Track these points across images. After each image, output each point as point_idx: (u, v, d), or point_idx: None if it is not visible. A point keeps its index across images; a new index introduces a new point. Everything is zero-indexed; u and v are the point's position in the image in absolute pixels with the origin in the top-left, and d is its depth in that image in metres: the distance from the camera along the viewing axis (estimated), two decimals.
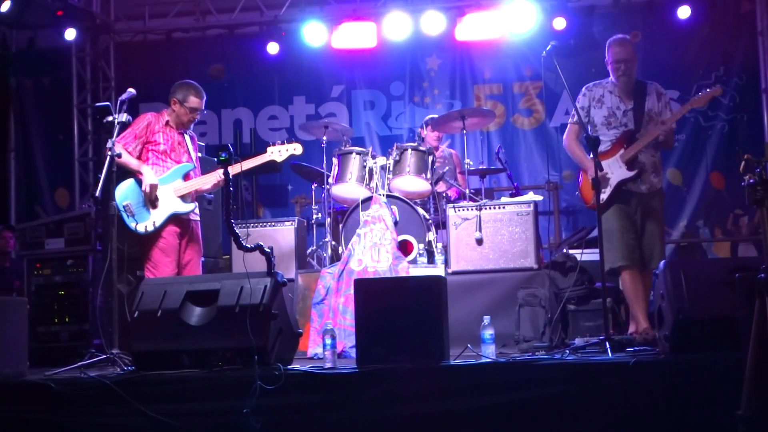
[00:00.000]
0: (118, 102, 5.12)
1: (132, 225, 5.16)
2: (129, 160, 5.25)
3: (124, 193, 5.19)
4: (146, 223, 5.20)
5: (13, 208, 9.27)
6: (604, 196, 5.11)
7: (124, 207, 5.17)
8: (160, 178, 5.28)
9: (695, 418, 3.60)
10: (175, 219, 5.30)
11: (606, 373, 3.79)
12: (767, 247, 3.19)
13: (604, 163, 5.11)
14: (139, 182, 5.23)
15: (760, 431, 3.08)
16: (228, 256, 6.78)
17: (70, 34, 8.70)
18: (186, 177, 5.38)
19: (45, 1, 8.67)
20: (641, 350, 4.22)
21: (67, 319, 5.83)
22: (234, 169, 5.30)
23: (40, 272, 5.96)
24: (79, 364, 4.50)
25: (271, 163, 5.53)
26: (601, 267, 4.61)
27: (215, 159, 5.15)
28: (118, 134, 4.98)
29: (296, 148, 5.54)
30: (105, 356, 4.58)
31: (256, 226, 6.62)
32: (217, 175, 5.36)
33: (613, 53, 5.31)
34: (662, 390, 3.66)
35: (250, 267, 4.26)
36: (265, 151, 5.53)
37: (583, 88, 5.41)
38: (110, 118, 5.04)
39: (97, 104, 9.02)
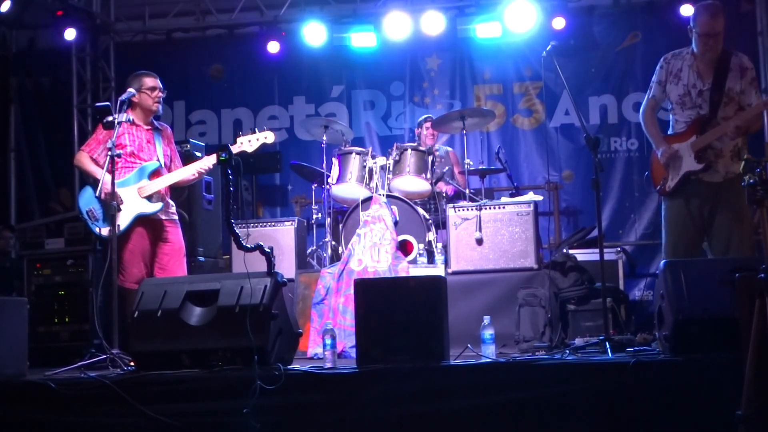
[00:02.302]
0: (118, 102, 5.12)
1: (96, 230, 5.11)
2: (89, 166, 5.23)
3: (86, 199, 5.14)
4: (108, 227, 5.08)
5: (13, 208, 9.27)
6: (671, 183, 4.88)
7: (87, 213, 5.12)
8: (122, 180, 5.14)
9: (695, 418, 3.60)
10: (143, 221, 5.19)
11: (606, 373, 3.78)
12: (767, 247, 3.19)
13: (676, 146, 4.86)
14: (94, 187, 5.08)
15: (760, 431, 3.08)
16: (228, 256, 6.78)
17: (70, 34, 8.69)
18: (152, 176, 5.25)
19: (45, 1, 8.68)
20: (641, 350, 4.21)
21: (67, 319, 5.83)
22: (205, 162, 5.23)
23: (40, 272, 5.95)
24: (79, 364, 4.51)
25: (243, 154, 5.14)
26: (601, 267, 4.60)
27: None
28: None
29: (267, 137, 5.16)
30: (105, 356, 4.59)
31: (256, 226, 6.62)
32: (193, 169, 5.26)
33: (702, 24, 4.76)
34: (662, 390, 3.66)
35: (250, 267, 4.25)
36: (234, 143, 5.13)
37: (662, 59, 4.99)
38: (110, 118, 5.04)
39: (97, 104, 9.04)
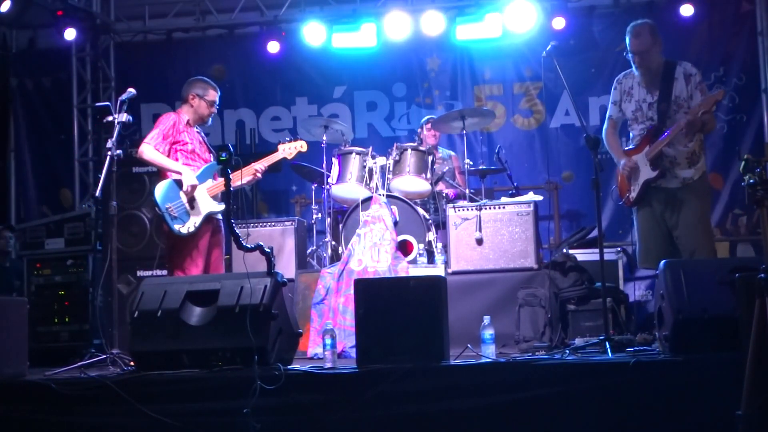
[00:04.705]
0: (118, 102, 5.14)
1: (176, 227, 5.16)
2: (166, 160, 5.28)
3: (164, 194, 5.18)
4: (188, 224, 5.21)
5: (13, 208, 9.27)
6: (633, 194, 5.15)
7: (166, 209, 5.17)
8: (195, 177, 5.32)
9: (695, 418, 3.61)
10: (208, 219, 5.32)
11: (606, 373, 3.79)
12: (767, 246, 3.19)
13: (634, 158, 5.13)
14: (176, 182, 5.22)
15: (760, 431, 3.08)
16: (228, 256, 6.78)
17: (70, 34, 8.69)
18: (215, 176, 5.39)
19: (45, 1, 8.67)
20: (641, 350, 4.22)
21: (67, 319, 5.84)
22: (247, 171, 5.46)
23: (40, 272, 5.96)
24: (79, 364, 4.51)
25: (282, 161, 5.84)
26: (601, 267, 4.60)
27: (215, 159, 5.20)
28: (119, 134, 5.00)
29: (302, 146, 5.82)
30: (105, 356, 4.59)
31: (256, 226, 6.62)
32: (250, 170, 5.50)
33: (629, 44, 5.13)
34: (662, 390, 3.66)
35: (250, 267, 4.25)
36: (276, 150, 5.81)
37: (615, 81, 5.29)
38: (110, 118, 5.05)
39: (97, 104, 9.04)
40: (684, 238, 5.03)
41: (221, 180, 5.32)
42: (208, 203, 5.28)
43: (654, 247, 5.11)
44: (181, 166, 5.27)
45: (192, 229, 5.19)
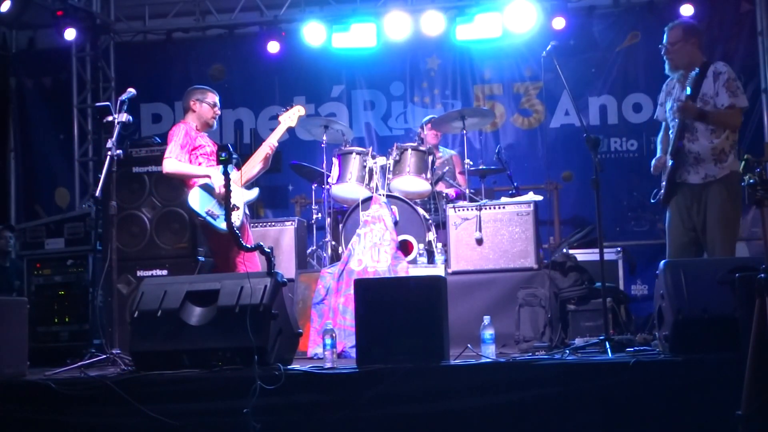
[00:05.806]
0: (118, 102, 5.14)
1: (222, 226, 5.17)
2: (191, 168, 5.33)
3: (200, 201, 5.23)
4: (233, 219, 5.21)
5: (13, 208, 9.27)
6: (662, 192, 5.18)
7: (207, 213, 5.21)
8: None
9: (695, 418, 3.60)
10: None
11: (606, 373, 3.79)
12: (767, 246, 3.19)
13: (665, 157, 5.18)
14: (203, 187, 5.26)
15: (760, 431, 3.08)
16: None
17: (70, 34, 8.69)
18: (237, 167, 5.37)
19: (45, 1, 8.68)
20: (641, 350, 4.22)
21: (67, 319, 5.83)
22: (261, 152, 5.54)
23: (40, 272, 5.95)
24: (79, 364, 4.51)
25: (288, 130, 5.81)
26: (601, 267, 4.60)
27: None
28: (119, 134, 5.01)
29: (300, 110, 5.80)
30: (105, 356, 4.59)
31: (256, 226, 6.62)
32: (265, 149, 5.54)
33: (664, 38, 5.25)
34: (662, 390, 3.66)
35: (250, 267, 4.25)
36: (279, 123, 5.74)
37: (664, 83, 5.37)
38: (110, 118, 5.06)
39: (97, 104, 9.04)
40: (707, 238, 4.99)
41: (246, 166, 5.46)
42: (241, 193, 5.34)
43: (676, 243, 5.08)
44: (207, 169, 5.33)
45: (238, 222, 5.18)
